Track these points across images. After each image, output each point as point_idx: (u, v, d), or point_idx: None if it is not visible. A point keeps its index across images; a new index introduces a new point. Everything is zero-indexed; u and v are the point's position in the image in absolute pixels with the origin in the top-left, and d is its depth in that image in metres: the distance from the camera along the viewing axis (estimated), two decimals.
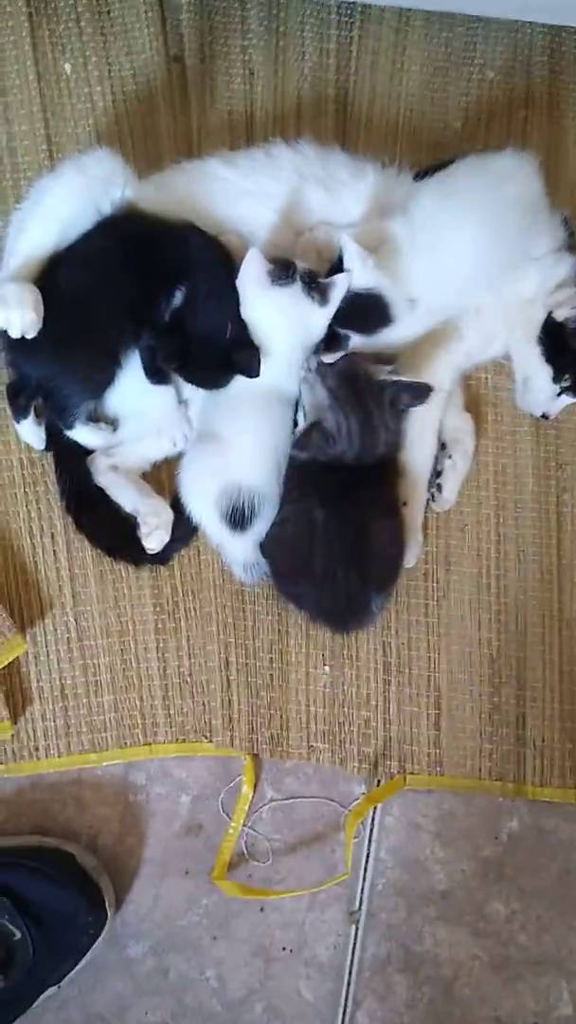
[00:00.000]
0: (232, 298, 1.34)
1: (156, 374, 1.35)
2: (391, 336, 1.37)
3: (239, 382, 1.37)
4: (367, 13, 1.60)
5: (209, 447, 1.40)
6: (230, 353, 1.34)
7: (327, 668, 1.46)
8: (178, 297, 1.33)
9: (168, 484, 1.45)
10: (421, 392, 1.36)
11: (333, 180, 1.43)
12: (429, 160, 1.58)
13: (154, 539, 1.39)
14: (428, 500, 1.47)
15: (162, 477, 1.46)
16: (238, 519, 1.37)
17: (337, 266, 1.36)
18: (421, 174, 1.46)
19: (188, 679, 1.46)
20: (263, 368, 1.34)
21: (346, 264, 1.33)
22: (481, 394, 1.52)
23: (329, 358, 1.35)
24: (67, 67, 1.57)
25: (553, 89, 1.63)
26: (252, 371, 1.33)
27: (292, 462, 1.39)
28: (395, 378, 1.36)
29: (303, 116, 1.60)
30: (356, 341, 1.37)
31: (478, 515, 1.50)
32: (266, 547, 1.39)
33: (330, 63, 1.61)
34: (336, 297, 1.33)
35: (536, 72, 1.63)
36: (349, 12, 1.60)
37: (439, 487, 1.48)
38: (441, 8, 1.59)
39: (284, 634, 1.46)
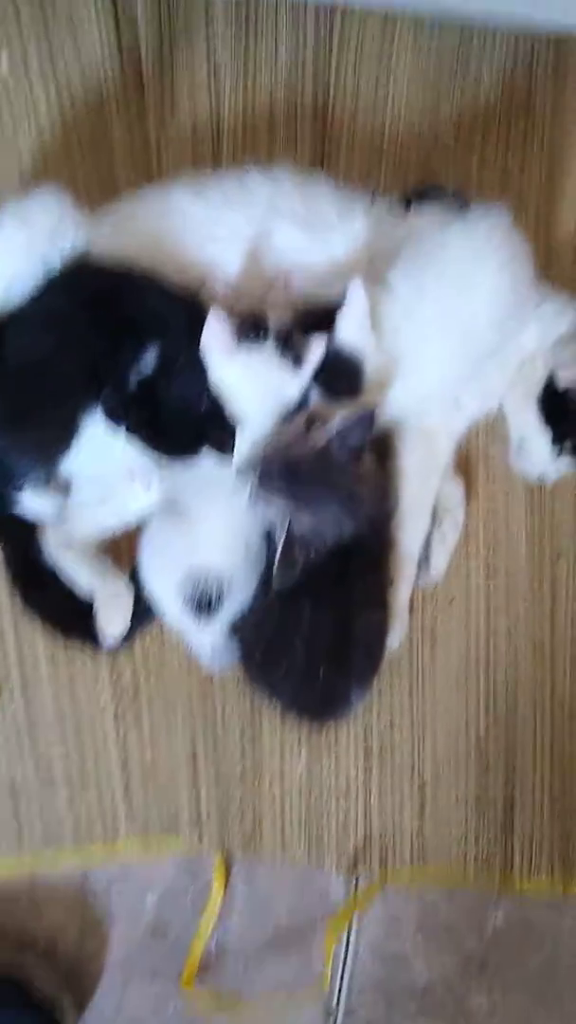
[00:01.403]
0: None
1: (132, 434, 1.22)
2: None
3: (208, 458, 1.25)
4: (349, 13, 1.44)
5: (173, 524, 1.29)
6: (204, 427, 1.22)
7: (303, 755, 1.39)
8: (148, 361, 1.20)
9: (128, 551, 1.34)
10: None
11: (316, 219, 1.29)
12: (416, 179, 1.47)
13: (111, 627, 1.28)
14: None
15: (121, 544, 1.35)
16: (204, 605, 1.27)
17: (312, 317, 1.24)
18: (409, 202, 1.33)
19: (151, 771, 1.37)
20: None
21: (345, 313, 1.21)
22: (471, 451, 1.43)
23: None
24: (3, 62, 1.39)
25: (557, 98, 1.50)
26: (226, 451, 1.21)
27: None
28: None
29: (276, 127, 1.46)
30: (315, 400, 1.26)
31: (467, 586, 1.42)
32: (240, 631, 1.30)
33: (307, 64, 1.47)
34: (312, 360, 1.21)
35: (538, 80, 1.49)
36: (328, 11, 1.44)
37: (427, 561, 1.39)
38: (436, 9, 1.44)
39: (256, 720, 1.38)
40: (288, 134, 1.46)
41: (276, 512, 1.20)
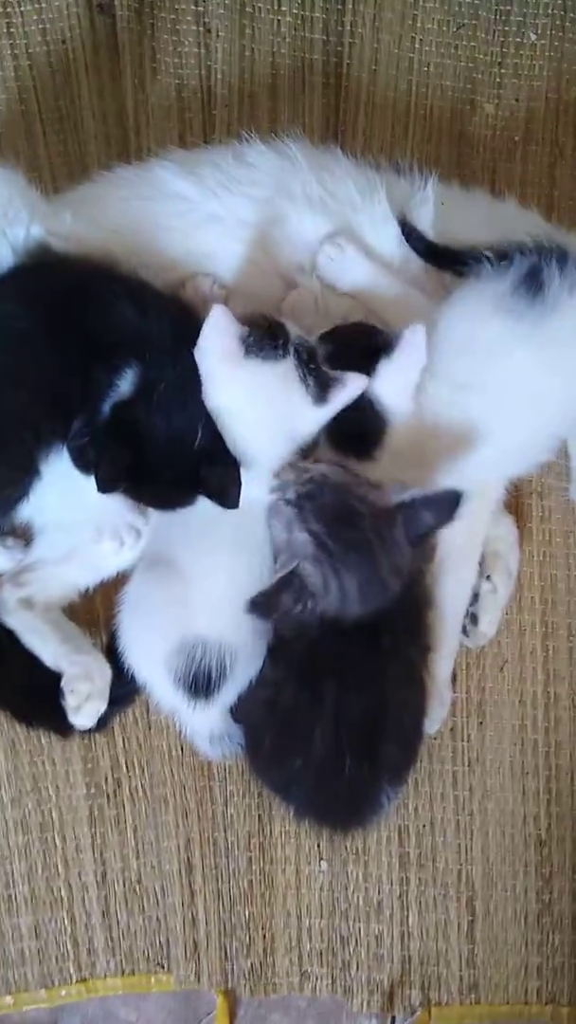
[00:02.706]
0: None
1: (104, 485, 0.98)
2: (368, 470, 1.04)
3: (206, 500, 1.02)
4: None
5: (161, 583, 1.06)
6: (198, 468, 0.98)
7: (324, 865, 1.17)
8: (125, 382, 0.97)
9: (104, 614, 1.13)
10: (447, 505, 1.00)
11: (336, 201, 1.07)
12: (449, 157, 1.26)
13: (84, 714, 1.05)
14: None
15: (96, 605, 1.14)
16: (199, 684, 1.04)
17: (348, 346, 1.02)
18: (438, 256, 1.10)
19: (136, 888, 1.16)
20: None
21: (394, 364, 0.98)
22: (523, 484, 1.20)
23: (297, 472, 1.00)
24: None
25: None
26: (228, 499, 0.98)
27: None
28: (409, 495, 1.00)
29: (279, 93, 1.27)
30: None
31: (520, 647, 1.21)
32: (245, 713, 1.07)
33: (316, 19, 1.27)
34: (341, 401, 0.98)
35: None
36: None
37: (474, 618, 1.17)
38: None
39: (266, 821, 1.17)
40: (294, 101, 1.27)
41: (289, 536, 0.98)
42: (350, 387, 0.98)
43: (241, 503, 1.00)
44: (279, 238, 1.07)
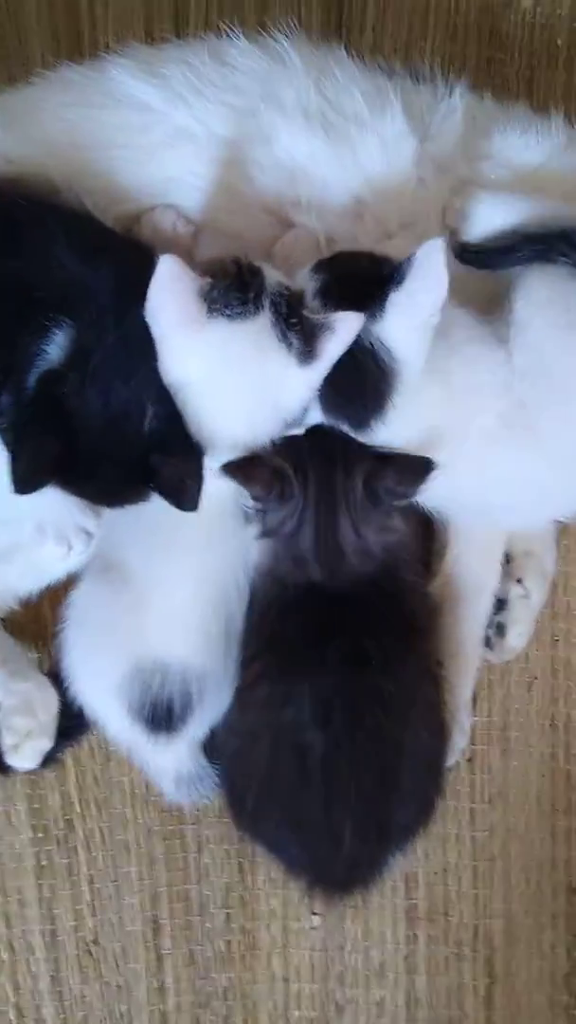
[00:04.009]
0: (155, 352, 0.77)
1: (23, 483, 0.79)
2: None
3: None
4: None
5: (112, 595, 0.88)
6: (147, 457, 0.78)
7: (317, 920, 1.01)
8: (55, 347, 0.76)
9: (53, 626, 0.92)
10: (416, 471, 0.82)
11: (338, 114, 0.86)
12: (477, 62, 1.06)
13: (24, 756, 0.90)
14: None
15: (44, 611, 0.96)
16: (159, 717, 0.87)
17: (344, 278, 0.80)
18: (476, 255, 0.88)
19: (92, 950, 1.00)
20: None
21: (407, 291, 0.76)
22: None
23: None
24: None
25: None
26: (185, 498, 0.78)
27: (256, 597, 0.88)
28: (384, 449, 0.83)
29: None
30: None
31: (552, 661, 1.04)
32: (222, 755, 0.89)
33: None
34: (333, 351, 0.77)
35: None
36: None
37: (500, 628, 0.99)
38: None
39: (248, 870, 1.01)
40: None
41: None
42: (341, 330, 0.76)
43: (209, 498, 0.80)
44: (266, 161, 0.86)
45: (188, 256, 0.83)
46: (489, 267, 0.85)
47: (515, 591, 1.00)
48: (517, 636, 1.00)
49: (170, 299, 0.74)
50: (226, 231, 0.86)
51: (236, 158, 0.86)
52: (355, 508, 0.85)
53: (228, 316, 0.76)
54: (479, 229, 0.85)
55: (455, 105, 0.91)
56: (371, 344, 0.78)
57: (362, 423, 0.81)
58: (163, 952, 0.99)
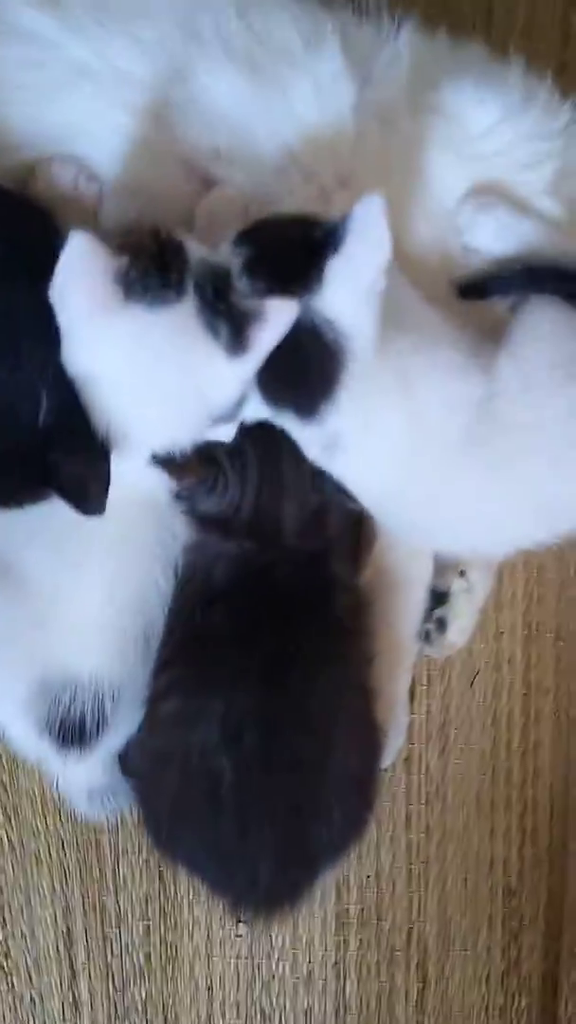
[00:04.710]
0: (54, 332, 0.66)
1: None
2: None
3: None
4: None
5: (10, 602, 0.78)
6: (44, 453, 0.68)
7: (242, 928, 0.95)
8: None
9: None
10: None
11: (268, 53, 0.75)
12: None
13: None
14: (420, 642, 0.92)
15: None
16: (70, 733, 0.79)
17: (274, 251, 0.70)
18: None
19: (3, 964, 0.93)
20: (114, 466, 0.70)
21: (346, 254, 0.67)
22: None
23: None
24: None
25: None
26: (87, 501, 0.68)
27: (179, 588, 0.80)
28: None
29: None
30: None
31: (496, 654, 0.98)
32: (135, 769, 0.81)
33: None
34: (266, 342, 0.68)
35: None
36: None
37: (441, 623, 0.92)
38: None
39: (168, 880, 0.94)
40: None
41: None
42: (273, 319, 0.67)
43: (120, 497, 0.70)
44: (181, 105, 0.74)
45: (91, 217, 0.74)
46: (489, 297, 0.76)
47: (457, 584, 0.92)
48: (459, 631, 0.93)
49: (80, 282, 0.64)
50: (136, 188, 0.75)
51: (146, 101, 0.74)
52: (300, 490, 0.79)
53: (147, 302, 0.65)
54: (485, 244, 0.76)
55: (401, 47, 0.80)
56: (312, 321, 0.68)
57: (310, 410, 0.72)
58: (77, 966, 0.94)
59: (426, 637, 0.93)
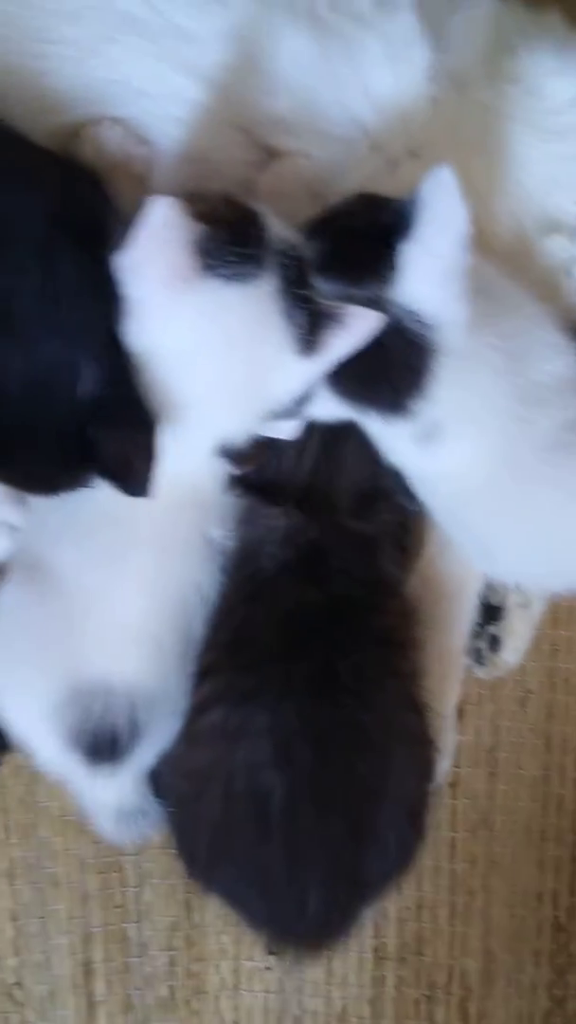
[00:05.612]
0: (100, 300, 0.60)
1: None
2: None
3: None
4: None
5: (43, 604, 0.72)
6: (84, 431, 0.62)
7: (271, 961, 0.89)
8: None
9: None
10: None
11: (332, 7, 0.68)
12: None
13: None
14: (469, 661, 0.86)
15: None
16: (102, 747, 0.73)
17: (348, 242, 0.64)
18: None
19: (14, 994, 0.86)
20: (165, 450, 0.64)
21: (423, 240, 0.61)
22: None
23: None
24: None
25: None
26: (132, 479, 0.62)
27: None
28: None
29: None
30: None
31: (551, 674, 0.91)
32: (170, 791, 0.75)
33: None
34: (341, 349, 0.62)
35: None
36: None
37: (494, 641, 0.85)
38: None
39: (195, 906, 0.87)
40: None
41: None
42: (353, 329, 0.61)
43: (166, 483, 0.64)
44: (238, 64, 0.68)
45: (140, 184, 0.67)
46: None
47: (513, 599, 0.86)
48: (513, 650, 0.87)
49: (162, 251, 0.58)
50: (191, 155, 0.68)
51: (204, 62, 0.67)
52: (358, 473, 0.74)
53: (227, 275, 0.59)
54: None
55: (477, 10, 0.74)
56: (392, 313, 0.62)
57: (396, 408, 0.66)
58: (96, 999, 0.87)
59: (477, 656, 0.87)
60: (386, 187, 0.70)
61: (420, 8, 0.71)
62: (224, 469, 0.72)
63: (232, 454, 0.68)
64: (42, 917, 0.86)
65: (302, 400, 0.66)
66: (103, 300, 0.61)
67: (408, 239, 0.63)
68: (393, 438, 0.70)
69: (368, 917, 0.87)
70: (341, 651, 0.72)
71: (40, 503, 0.73)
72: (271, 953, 0.89)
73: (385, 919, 0.90)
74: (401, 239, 0.63)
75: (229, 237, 0.60)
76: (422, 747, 0.77)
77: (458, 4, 0.73)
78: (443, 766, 0.88)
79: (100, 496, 0.66)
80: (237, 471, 0.71)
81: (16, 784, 0.85)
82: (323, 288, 0.63)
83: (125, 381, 0.63)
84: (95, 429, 0.62)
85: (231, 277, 0.59)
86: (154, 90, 0.68)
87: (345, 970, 0.90)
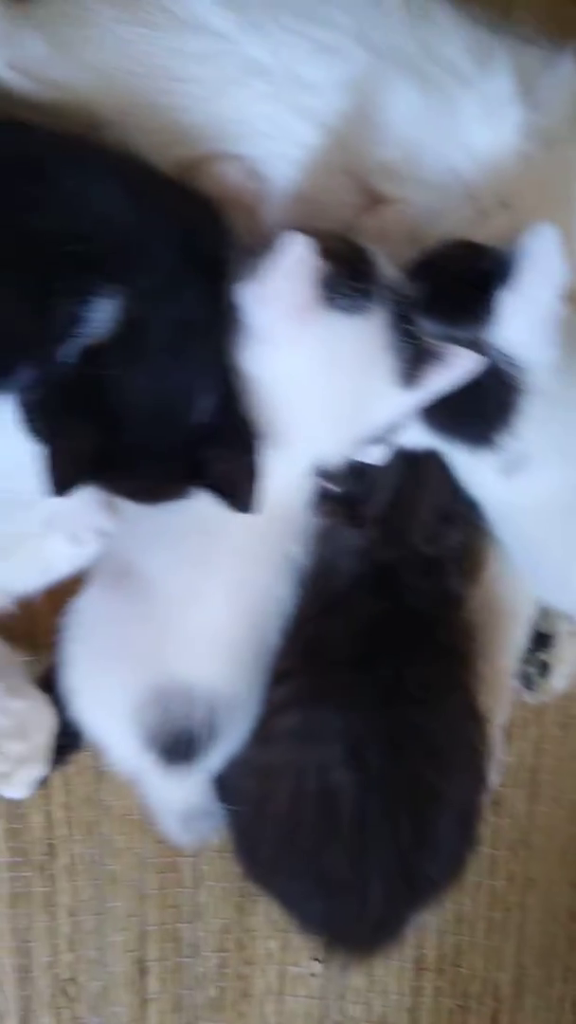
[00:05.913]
0: (220, 330, 0.64)
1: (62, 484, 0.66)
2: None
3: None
4: None
5: (129, 607, 0.74)
6: (195, 451, 0.66)
7: (318, 967, 0.91)
8: (99, 318, 0.62)
9: (44, 624, 0.78)
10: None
11: (435, 63, 0.72)
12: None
13: (15, 784, 0.76)
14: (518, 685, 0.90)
15: (40, 614, 0.81)
16: (179, 748, 0.75)
17: (448, 284, 0.68)
18: None
19: (67, 989, 0.88)
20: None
21: (520, 290, 0.65)
22: None
23: None
24: None
25: None
26: (240, 498, 0.65)
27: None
28: None
29: None
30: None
31: None
32: (235, 796, 0.78)
33: None
34: (440, 385, 0.66)
35: None
36: None
37: (544, 667, 0.89)
38: None
39: (247, 910, 0.90)
40: None
41: None
42: (454, 366, 0.65)
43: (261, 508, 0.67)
44: (351, 113, 0.71)
45: (251, 219, 0.71)
46: None
47: (564, 626, 0.90)
48: (562, 676, 0.91)
49: (293, 286, 0.62)
50: (300, 195, 0.72)
51: (319, 108, 0.70)
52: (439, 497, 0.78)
53: (345, 309, 0.63)
54: None
55: (566, 72, 0.80)
56: (489, 354, 0.66)
57: (483, 441, 0.70)
58: (148, 996, 0.89)
59: (527, 681, 0.91)
60: (477, 234, 0.74)
61: (515, 68, 0.76)
62: (313, 488, 0.77)
63: (325, 474, 0.73)
64: (99, 914, 0.88)
65: (395, 428, 0.71)
66: (222, 330, 0.65)
67: (508, 287, 0.67)
68: (477, 469, 0.74)
69: (416, 925, 0.93)
70: (409, 661, 0.76)
71: (131, 509, 0.77)
72: (317, 960, 0.93)
73: (426, 930, 0.93)
74: (500, 286, 0.67)
75: (347, 272, 0.64)
76: (480, 756, 0.80)
77: (549, 65, 0.79)
78: (493, 779, 0.93)
79: (193, 506, 0.70)
80: (327, 491, 0.75)
81: (81, 782, 0.86)
82: (425, 327, 0.68)
83: (232, 405, 0.66)
84: (207, 450, 0.66)
85: (347, 310, 0.64)
86: (274, 132, 0.71)
87: (386, 979, 0.93)
